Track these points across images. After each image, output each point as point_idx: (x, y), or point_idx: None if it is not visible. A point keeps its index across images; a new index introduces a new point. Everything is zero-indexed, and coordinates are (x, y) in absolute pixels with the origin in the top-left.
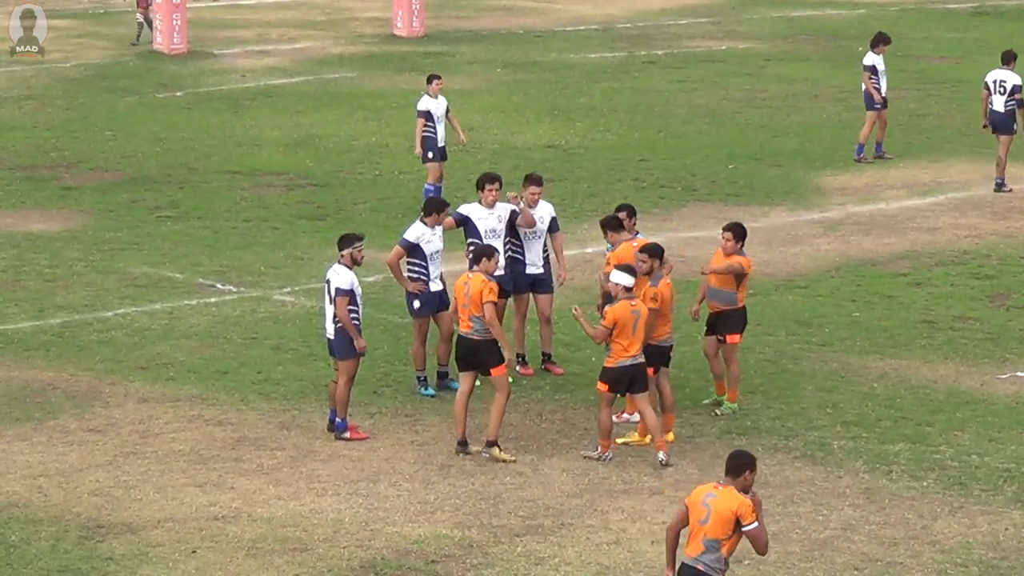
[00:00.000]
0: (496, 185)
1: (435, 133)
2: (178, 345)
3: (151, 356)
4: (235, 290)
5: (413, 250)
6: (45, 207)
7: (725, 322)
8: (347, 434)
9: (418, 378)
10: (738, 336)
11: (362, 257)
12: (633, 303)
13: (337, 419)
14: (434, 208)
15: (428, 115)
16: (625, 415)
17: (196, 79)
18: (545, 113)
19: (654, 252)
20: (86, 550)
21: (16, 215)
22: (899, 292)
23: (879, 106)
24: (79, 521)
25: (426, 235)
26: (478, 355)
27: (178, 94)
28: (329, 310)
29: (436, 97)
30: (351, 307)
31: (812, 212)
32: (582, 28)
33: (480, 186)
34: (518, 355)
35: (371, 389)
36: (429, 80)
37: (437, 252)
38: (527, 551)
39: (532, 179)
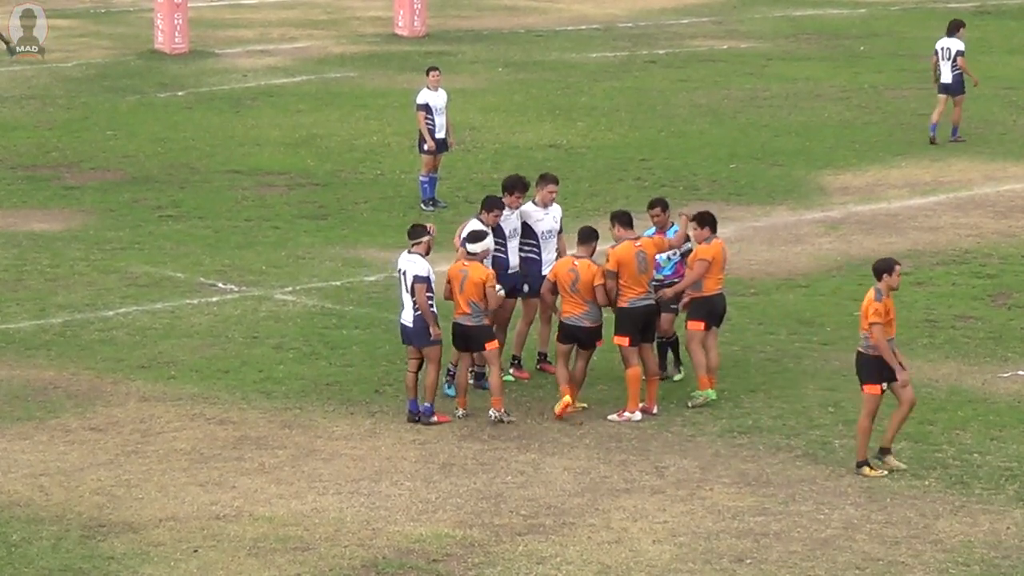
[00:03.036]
0: (553, 186)
1: (433, 124)
2: (179, 344)
3: (152, 355)
4: (236, 289)
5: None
6: (47, 206)
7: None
8: (435, 418)
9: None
10: (696, 322)
11: (432, 246)
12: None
13: (425, 404)
14: (495, 205)
15: (427, 107)
16: (627, 414)
17: (197, 79)
18: (546, 112)
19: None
20: (88, 549)
21: (18, 214)
22: (900, 291)
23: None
24: (80, 520)
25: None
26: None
27: (179, 94)
28: (405, 298)
29: (436, 90)
30: (429, 294)
31: (814, 211)
32: (583, 28)
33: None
34: (513, 357)
35: (372, 388)
36: (427, 72)
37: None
38: (529, 550)
39: (548, 178)
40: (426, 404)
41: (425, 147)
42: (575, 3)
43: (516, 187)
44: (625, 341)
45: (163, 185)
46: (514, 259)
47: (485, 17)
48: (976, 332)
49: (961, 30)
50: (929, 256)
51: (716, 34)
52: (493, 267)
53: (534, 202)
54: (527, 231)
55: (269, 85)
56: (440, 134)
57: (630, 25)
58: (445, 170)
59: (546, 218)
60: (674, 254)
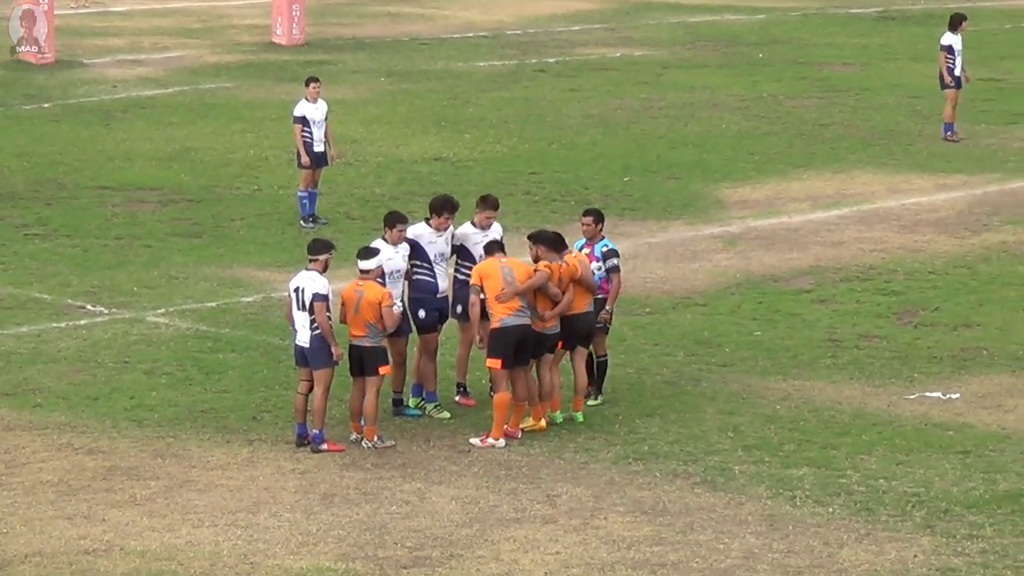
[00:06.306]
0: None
1: (311, 138)
2: (46, 370)
3: (17, 381)
4: (106, 312)
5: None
6: None
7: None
8: (325, 446)
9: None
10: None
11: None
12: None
13: (314, 431)
14: (397, 220)
15: (304, 120)
16: (489, 440)
17: (64, 89)
18: (432, 124)
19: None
20: None
21: None
22: (802, 309)
23: (953, 85)
24: None
25: (388, 251)
26: None
27: (45, 105)
28: (300, 317)
29: (315, 101)
30: (327, 313)
31: (711, 226)
32: (470, 35)
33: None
34: (458, 384)
35: (250, 415)
36: (307, 83)
37: (398, 271)
38: None
39: (489, 202)
40: (315, 431)
41: (302, 161)
42: (461, 10)
43: (444, 208)
44: (497, 364)
45: (28, 202)
46: (443, 283)
47: (367, 24)
48: (881, 352)
49: (962, 23)
50: (832, 272)
51: (608, 41)
52: (421, 290)
53: (473, 223)
54: (464, 253)
55: (140, 96)
56: (319, 147)
57: (519, 32)
58: (325, 185)
59: (485, 240)
60: (599, 268)
